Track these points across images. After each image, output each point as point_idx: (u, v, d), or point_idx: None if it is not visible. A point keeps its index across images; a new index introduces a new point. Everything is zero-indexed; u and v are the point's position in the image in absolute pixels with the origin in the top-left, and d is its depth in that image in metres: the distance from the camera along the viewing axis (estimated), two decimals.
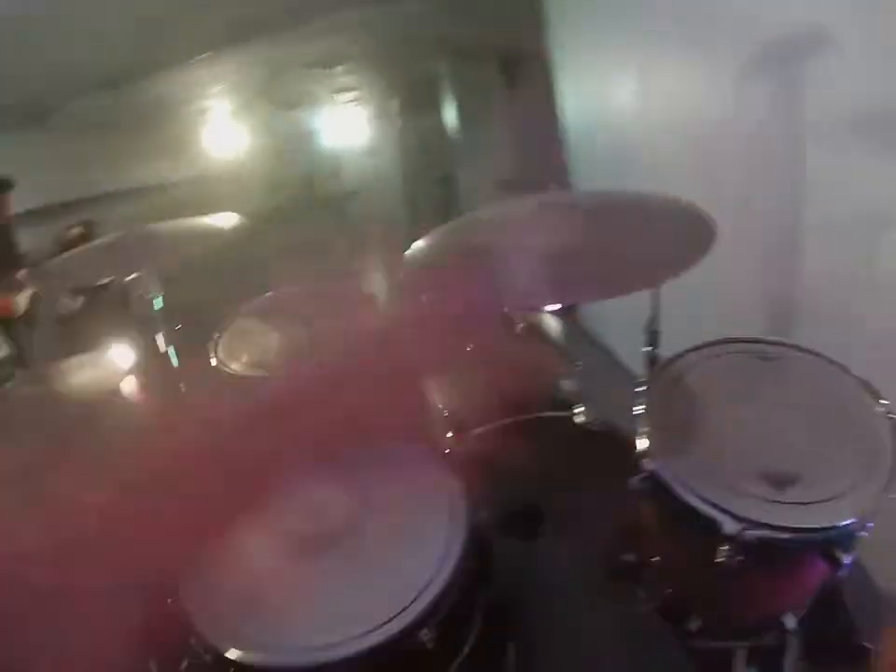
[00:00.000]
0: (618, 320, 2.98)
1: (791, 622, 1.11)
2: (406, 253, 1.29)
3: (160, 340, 1.67)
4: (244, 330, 1.60)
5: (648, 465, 1.06)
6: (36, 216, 4.81)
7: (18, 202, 4.08)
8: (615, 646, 1.08)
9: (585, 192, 1.34)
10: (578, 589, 1.16)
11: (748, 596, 1.09)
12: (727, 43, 1.83)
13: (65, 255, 1.84)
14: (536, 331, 1.85)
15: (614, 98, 2.77)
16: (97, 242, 1.76)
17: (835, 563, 0.98)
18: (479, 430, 1.48)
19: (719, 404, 1.15)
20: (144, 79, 4.45)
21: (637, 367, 1.39)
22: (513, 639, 1.09)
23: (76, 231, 4.85)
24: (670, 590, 1.17)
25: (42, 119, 4.61)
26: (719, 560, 0.98)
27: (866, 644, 1.39)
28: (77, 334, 4.40)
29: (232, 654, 0.89)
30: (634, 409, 1.13)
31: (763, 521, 0.94)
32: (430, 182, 5.37)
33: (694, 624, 1.14)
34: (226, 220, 1.66)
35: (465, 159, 5.16)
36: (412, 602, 0.91)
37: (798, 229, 1.75)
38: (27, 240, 4.27)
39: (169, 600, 0.97)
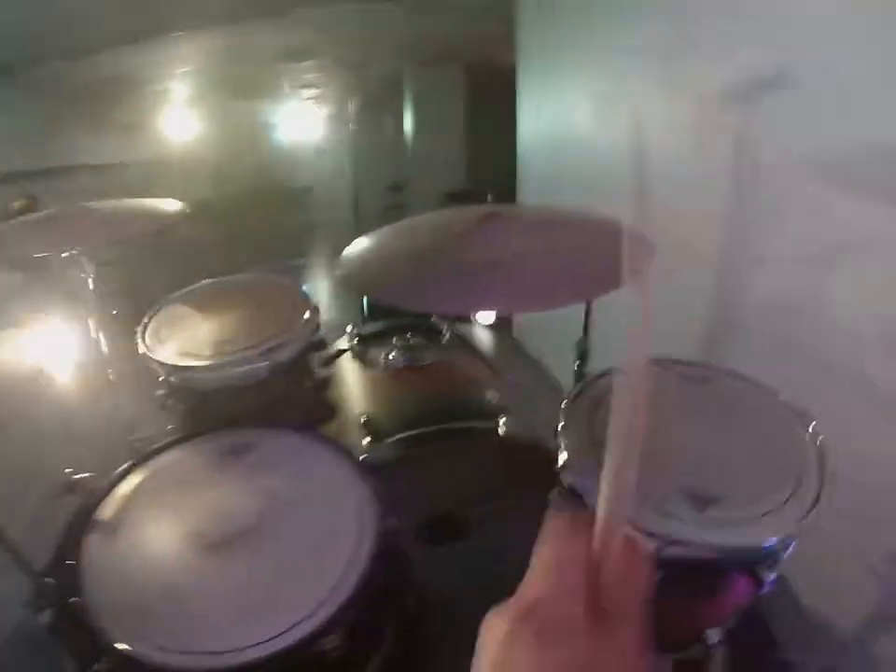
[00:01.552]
0: (551, 336, 3.03)
1: (714, 636, 1.13)
2: (344, 252, 1.29)
3: (90, 324, 1.63)
4: (174, 317, 1.57)
5: (565, 478, 1.08)
6: None
7: None
8: None
9: (528, 206, 1.35)
10: (494, 599, 1.16)
11: (668, 614, 1.11)
12: (690, 76, 1.90)
13: (2, 225, 1.79)
14: (464, 341, 1.87)
15: (571, 119, 2.82)
16: (35, 215, 1.70)
17: (758, 581, 1.00)
18: (398, 437, 1.49)
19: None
20: (107, 53, 4.33)
21: (566, 382, 1.42)
22: (428, 650, 1.09)
23: (18, 203, 4.68)
24: None
25: None
26: None
27: (790, 657, 1.43)
28: (10, 310, 4.25)
29: (127, 650, 0.87)
30: (557, 423, 1.15)
31: (681, 538, 0.94)
32: (381, 187, 5.37)
33: None
34: (168, 205, 1.62)
35: (417, 166, 5.18)
36: (316, 608, 0.90)
37: (746, 257, 1.81)
38: None
39: (72, 599, 0.96)
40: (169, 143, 5.68)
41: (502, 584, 1.21)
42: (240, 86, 5.38)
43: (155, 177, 5.09)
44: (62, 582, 1.25)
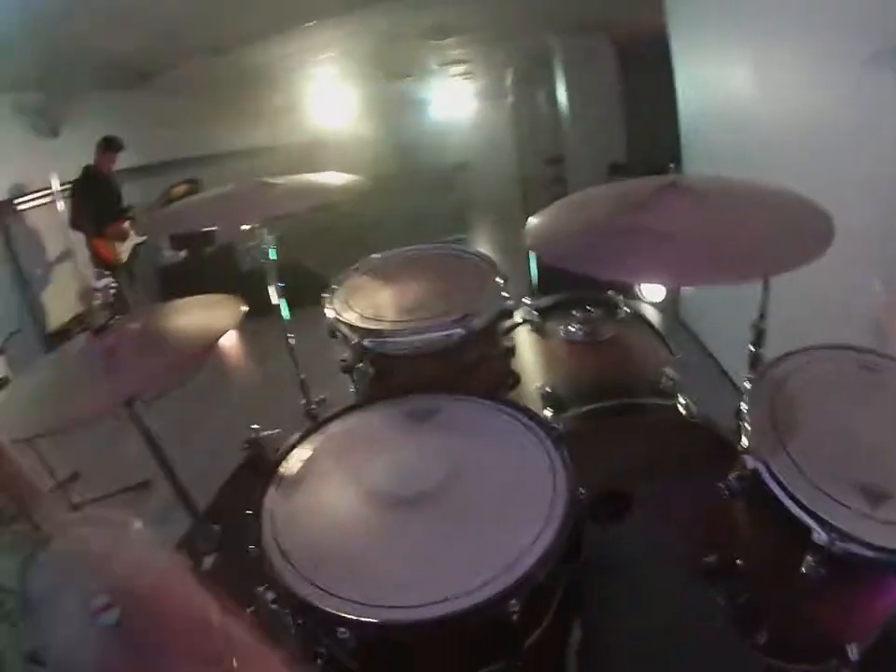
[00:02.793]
0: (716, 317, 2.91)
1: (854, 653, 1.06)
2: (528, 225, 1.29)
3: (271, 291, 1.73)
4: (360, 285, 1.61)
5: (748, 463, 1.04)
6: (144, 172, 5.09)
7: (125, 158, 4.33)
8: (680, 645, 1.06)
9: (703, 177, 1.29)
10: (653, 580, 1.14)
11: (822, 614, 1.06)
12: (849, 37, 1.75)
13: (173, 206, 1.89)
14: (641, 318, 1.82)
15: (731, 85, 2.67)
16: (210, 192, 1.77)
17: None
18: (577, 410, 1.48)
19: (821, 410, 1.10)
20: (251, 45, 4.59)
21: (732, 365, 1.36)
22: (582, 620, 1.09)
23: (181, 188, 5.11)
24: (746, 597, 1.14)
25: (150, 80, 4.84)
26: (802, 570, 0.95)
27: None
28: (179, 285, 4.66)
29: (301, 595, 0.91)
30: (739, 406, 1.10)
31: (856, 535, 0.90)
32: (540, 160, 5.30)
33: (761, 638, 1.12)
34: (336, 178, 1.68)
35: (574, 138, 5.05)
36: (506, 570, 0.89)
37: None
38: (134, 194, 4.53)
39: (251, 547, 1.01)
40: (320, 126, 5.94)
41: (654, 565, 1.19)
42: (385, 67, 5.51)
43: (308, 159, 5.35)
44: (231, 530, 1.35)
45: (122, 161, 4.38)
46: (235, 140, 5.74)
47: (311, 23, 4.44)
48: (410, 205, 5.34)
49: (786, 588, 1.04)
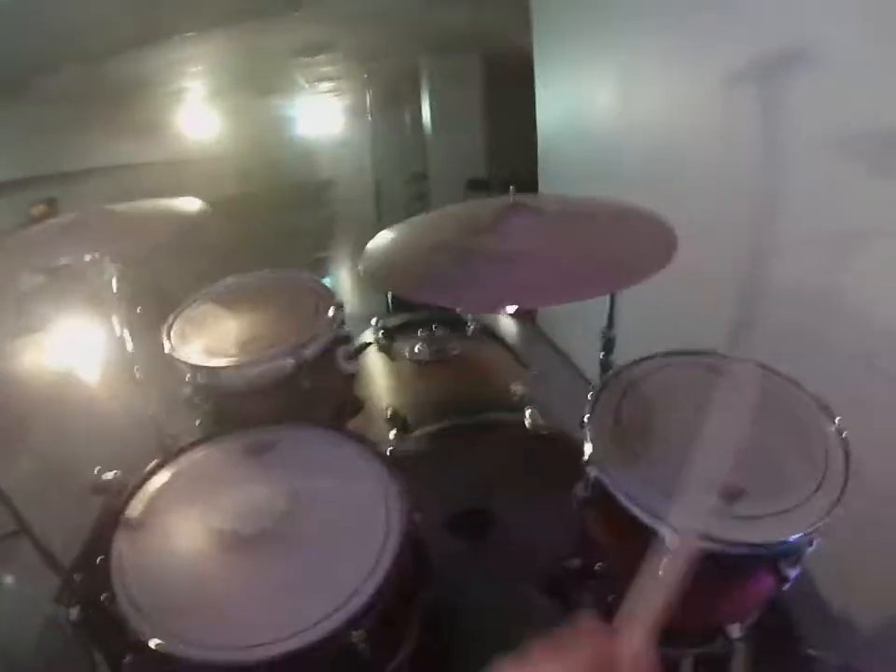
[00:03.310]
0: (575, 325, 3.00)
1: (735, 631, 1.11)
2: (368, 245, 1.28)
3: (114, 322, 1.64)
4: (199, 316, 1.58)
5: (591, 471, 1.06)
6: (1, 189, 4.68)
7: None
8: None
9: (551, 196, 1.33)
10: (520, 593, 1.16)
11: (690, 607, 1.10)
12: (711, 55, 1.85)
13: (25, 231, 1.79)
14: (490, 333, 1.85)
15: (592, 104, 2.77)
16: (57, 220, 1.69)
17: (781, 577, 0.98)
18: (425, 430, 1.48)
19: (669, 414, 1.15)
20: (121, 56, 4.36)
21: (592, 371, 1.40)
22: (453, 645, 1.09)
23: (39, 208, 4.74)
24: (613, 596, 1.18)
25: (14, 92, 4.49)
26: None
27: (811, 652, 1.41)
28: (35, 313, 4.31)
29: (158, 645, 0.88)
30: (583, 414, 1.13)
31: (707, 534, 0.92)
32: (403, 177, 5.35)
33: None
34: (189, 204, 1.61)
35: (437, 156, 5.14)
36: (344, 602, 0.90)
37: (765, 243, 1.77)
38: None
39: (101, 595, 0.97)
40: (187, 142, 5.71)
41: (522, 579, 1.20)
42: (255, 83, 5.39)
43: (175, 177, 5.13)
44: (90, 579, 1.28)
45: None
46: (97, 157, 5.40)
47: (187, 34, 4.27)
48: (277, 223, 5.24)
49: None
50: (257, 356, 1.40)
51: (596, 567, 1.16)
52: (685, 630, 1.15)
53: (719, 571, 0.99)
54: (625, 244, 1.19)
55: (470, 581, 1.11)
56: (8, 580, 1.33)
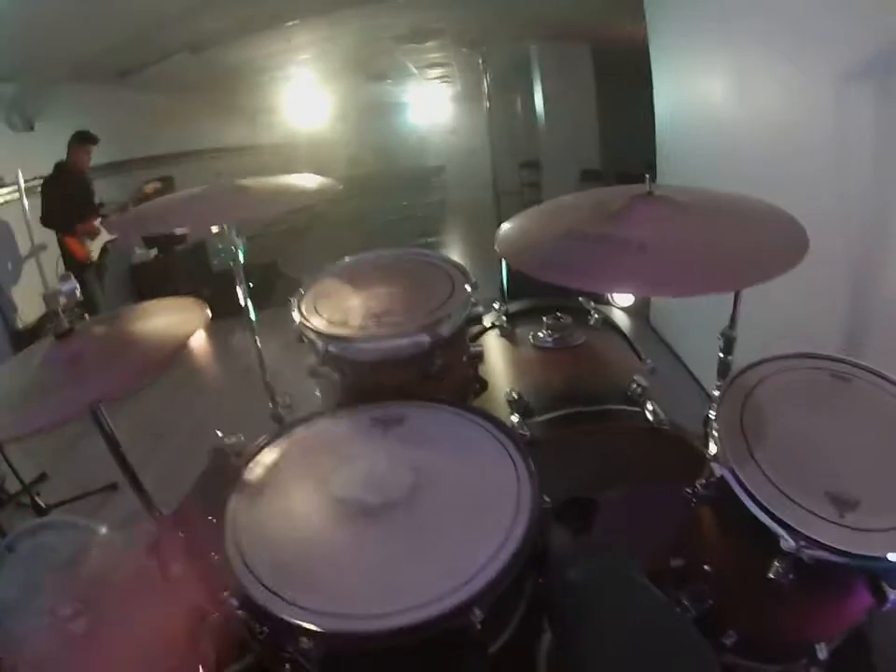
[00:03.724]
0: (689, 324, 2.93)
1: (822, 652, 1.08)
2: (499, 231, 1.29)
3: (239, 293, 1.71)
4: (328, 290, 1.59)
5: (716, 469, 1.05)
6: (116, 168, 5.01)
7: (98, 154, 4.26)
8: (648, 647, 1.06)
9: (679, 188, 1.30)
10: (620, 586, 1.15)
11: (789, 617, 1.07)
12: (828, 49, 1.77)
13: (143, 205, 1.84)
14: (612, 324, 1.83)
15: (709, 95, 2.69)
16: (180, 193, 1.73)
17: (881, 596, 0.94)
18: (547, 416, 1.48)
19: (790, 418, 1.12)
20: (231, 44, 4.55)
21: (702, 371, 1.36)
22: (549, 627, 1.09)
23: (153, 185, 5.04)
24: (713, 601, 1.16)
25: (127, 76, 4.78)
26: (769, 576, 0.96)
27: None
28: (149, 283, 4.58)
29: (263, 604, 0.90)
30: (707, 413, 1.11)
31: (823, 541, 0.91)
32: (514, 164, 5.33)
33: (730, 640, 1.13)
34: (310, 181, 1.66)
35: (550, 145, 5.08)
36: (470, 579, 0.89)
37: (887, 246, 1.68)
38: (105, 191, 4.45)
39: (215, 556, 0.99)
40: (298, 127, 5.90)
41: (626, 573, 1.19)
42: (365, 69, 5.49)
43: (283, 160, 5.31)
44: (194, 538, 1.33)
45: (96, 157, 4.30)
46: (210, 139, 5.68)
47: (292, 23, 4.40)
48: (387, 207, 5.34)
49: (753, 592, 1.05)
50: (391, 329, 1.38)
51: (705, 568, 1.14)
52: (775, 643, 1.13)
53: (822, 583, 0.98)
54: (755, 240, 1.15)
55: (572, 569, 1.10)
56: (105, 530, 1.39)
